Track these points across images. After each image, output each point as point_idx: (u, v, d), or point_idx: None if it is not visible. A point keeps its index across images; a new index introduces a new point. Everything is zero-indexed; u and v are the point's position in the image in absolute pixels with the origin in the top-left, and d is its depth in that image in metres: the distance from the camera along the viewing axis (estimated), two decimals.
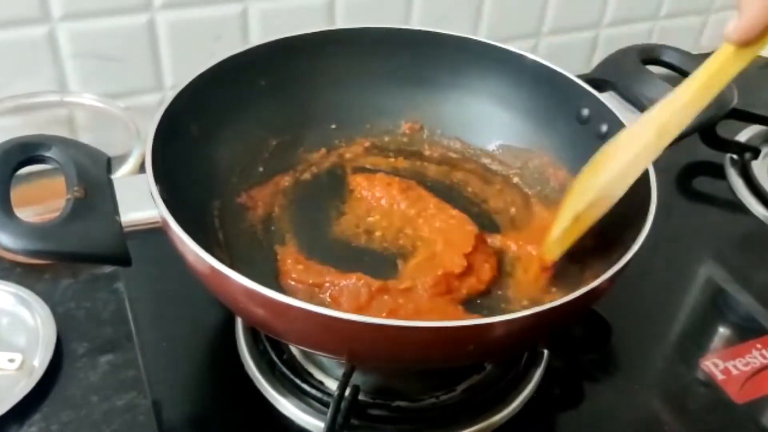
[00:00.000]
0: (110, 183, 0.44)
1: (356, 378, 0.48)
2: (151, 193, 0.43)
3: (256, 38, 0.75)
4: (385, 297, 0.50)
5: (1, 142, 0.45)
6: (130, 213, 0.43)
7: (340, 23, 0.78)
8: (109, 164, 0.46)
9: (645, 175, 0.50)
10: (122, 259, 0.43)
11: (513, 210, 0.60)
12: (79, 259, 0.43)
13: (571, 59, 0.93)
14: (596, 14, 0.92)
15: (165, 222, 0.42)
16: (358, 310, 0.49)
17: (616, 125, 0.55)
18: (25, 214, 0.42)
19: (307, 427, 0.50)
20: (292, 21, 0.76)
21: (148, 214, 0.43)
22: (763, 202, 0.74)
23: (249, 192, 0.59)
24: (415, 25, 0.81)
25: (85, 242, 0.41)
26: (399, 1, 0.81)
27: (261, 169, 0.61)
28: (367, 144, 0.65)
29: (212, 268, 0.40)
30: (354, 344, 0.42)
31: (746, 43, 0.41)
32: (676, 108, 0.45)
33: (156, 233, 0.45)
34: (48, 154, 0.44)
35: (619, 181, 0.48)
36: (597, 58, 0.95)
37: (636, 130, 0.48)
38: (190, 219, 0.43)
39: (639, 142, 0.47)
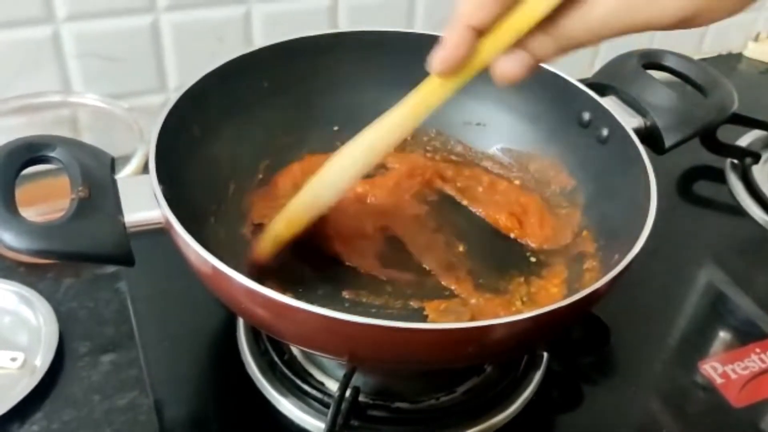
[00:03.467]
0: (114, 183, 0.45)
1: (356, 379, 0.48)
2: (155, 194, 0.44)
3: (259, 40, 0.76)
4: None
5: (6, 142, 0.45)
6: (134, 213, 0.44)
7: (343, 26, 0.79)
8: (113, 165, 0.46)
9: (645, 179, 0.50)
10: (126, 259, 0.43)
11: (514, 212, 0.60)
12: (82, 259, 0.43)
13: (572, 63, 0.92)
14: None
15: (168, 222, 0.43)
16: None
17: (617, 129, 0.56)
18: (28, 213, 0.43)
19: (307, 427, 0.50)
20: (294, 24, 0.76)
21: (151, 214, 0.44)
22: (763, 206, 0.74)
23: (251, 193, 0.59)
24: (417, 28, 0.81)
25: (89, 242, 0.42)
26: (402, 4, 0.81)
27: (263, 170, 0.61)
28: None
29: (214, 268, 0.40)
30: (355, 345, 0.42)
31: (447, 73, 0.41)
32: (384, 130, 0.46)
33: (158, 234, 0.45)
34: (53, 154, 0.45)
35: (330, 188, 0.49)
36: (598, 63, 0.95)
37: (352, 143, 0.48)
38: (193, 219, 0.44)
39: (351, 155, 0.48)
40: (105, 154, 0.46)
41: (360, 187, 0.61)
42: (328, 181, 0.49)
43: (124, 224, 0.43)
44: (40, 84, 0.69)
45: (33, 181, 0.53)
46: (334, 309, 0.38)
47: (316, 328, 0.41)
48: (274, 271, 0.52)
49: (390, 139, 0.47)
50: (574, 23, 0.37)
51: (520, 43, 0.38)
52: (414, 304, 0.53)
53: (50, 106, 0.70)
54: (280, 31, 0.73)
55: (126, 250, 0.43)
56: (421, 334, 0.39)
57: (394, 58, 0.64)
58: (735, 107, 0.65)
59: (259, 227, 0.57)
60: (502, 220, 0.60)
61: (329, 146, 0.64)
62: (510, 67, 0.39)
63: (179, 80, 0.75)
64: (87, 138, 0.71)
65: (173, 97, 0.52)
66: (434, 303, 0.53)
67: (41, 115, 0.70)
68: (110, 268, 0.63)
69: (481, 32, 0.38)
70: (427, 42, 0.62)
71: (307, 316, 0.39)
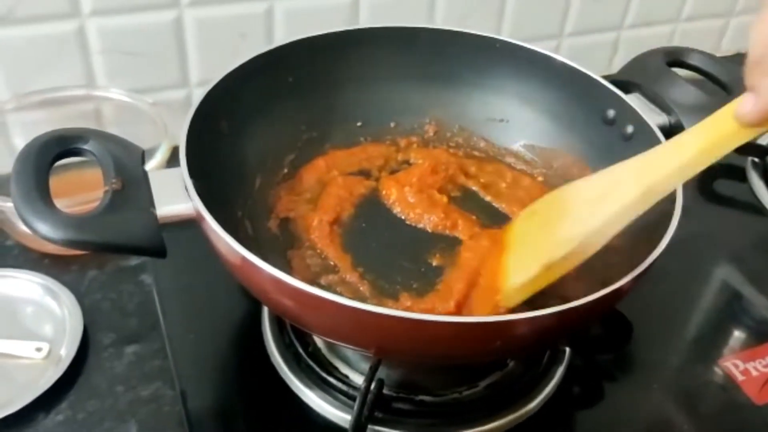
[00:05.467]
0: (146, 176, 0.45)
1: (381, 372, 0.48)
2: (186, 187, 0.44)
3: (281, 36, 0.76)
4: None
5: (38, 134, 0.45)
6: (166, 205, 0.44)
7: (364, 22, 0.79)
8: (143, 157, 0.47)
9: None
10: (158, 251, 0.43)
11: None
12: (116, 250, 0.43)
13: (592, 60, 0.93)
14: (618, 16, 0.92)
15: (199, 214, 0.43)
16: None
17: (642, 126, 0.55)
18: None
19: (332, 419, 0.51)
20: (315, 19, 0.76)
21: (182, 206, 0.44)
22: None
23: (277, 187, 0.60)
24: (438, 24, 0.81)
25: (123, 233, 0.42)
26: (422, 0, 0.81)
27: (288, 165, 0.62)
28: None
29: (244, 259, 0.41)
30: (382, 338, 0.42)
31: (757, 125, 0.38)
32: (668, 171, 0.43)
33: (187, 226, 0.45)
34: (85, 146, 0.45)
35: (599, 235, 0.45)
36: (618, 60, 0.95)
37: (615, 180, 0.45)
38: (221, 212, 0.44)
39: (623, 198, 0.44)
40: (136, 147, 0.47)
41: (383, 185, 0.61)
42: (602, 225, 0.45)
43: (156, 216, 0.43)
44: (65, 78, 0.70)
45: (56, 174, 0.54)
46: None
47: (343, 320, 0.41)
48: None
49: (673, 183, 0.43)
50: None
51: None
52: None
53: (74, 101, 0.71)
54: (302, 26, 0.74)
55: (159, 241, 0.43)
56: (447, 327, 0.39)
57: (415, 54, 0.65)
58: None
59: (284, 221, 0.58)
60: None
61: (352, 141, 0.65)
62: None
63: (201, 75, 0.75)
64: (111, 132, 0.71)
65: (198, 92, 0.53)
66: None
67: (65, 109, 0.70)
68: (133, 261, 0.64)
69: None
70: (448, 37, 0.64)
71: (335, 307, 0.39)
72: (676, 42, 0.98)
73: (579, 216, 0.46)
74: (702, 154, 0.41)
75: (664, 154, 0.43)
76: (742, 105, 0.38)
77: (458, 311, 0.50)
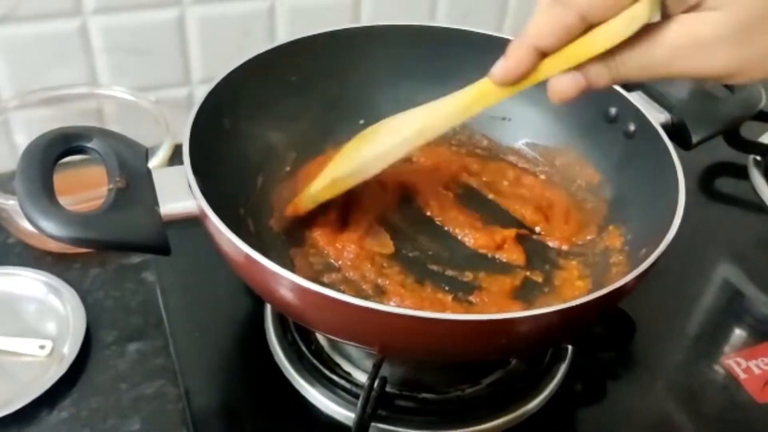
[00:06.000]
0: (149, 174, 0.45)
1: (384, 370, 0.48)
2: (189, 185, 0.44)
3: (283, 34, 0.76)
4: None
5: (43, 132, 0.45)
6: (169, 203, 0.44)
7: (366, 20, 0.79)
8: (147, 156, 0.47)
9: (673, 174, 0.50)
10: (162, 248, 0.43)
11: (539, 206, 0.61)
12: (121, 248, 0.44)
13: None
14: None
15: (202, 212, 0.43)
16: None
17: (644, 124, 0.56)
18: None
19: (335, 416, 0.51)
20: (318, 18, 0.76)
21: (185, 204, 0.44)
22: None
23: (279, 185, 0.60)
24: (440, 22, 0.81)
25: (128, 231, 0.42)
26: None
27: (291, 163, 0.62)
28: None
29: (247, 257, 0.41)
30: (386, 335, 0.42)
31: (505, 84, 0.44)
32: (437, 118, 0.50)
33: (190, 224, 0.45)
34: (89, 144, 0.45)
35: (377, 161, 0.52)
36: None
37: (402, 121, 0.52)
38: (224, 210, 0.44)
39: (401, 134, 0.51)
40: (140, 146, 0.47)
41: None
42: (377, 154, 0.52)
43: (160, 214, 0.43)
44: (68, 76, 0.70)
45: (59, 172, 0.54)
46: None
47: (347, 317, 0.41)
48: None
49: (439, 129, 0.50)
50: (631, 61, 0.40)
51: (577, 66, 0.41)
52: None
53: (77, 99, 0.71)
54: (304, 25, 0.74)
55: (163, 239, 0.43)
56: (450, 324, 0.39)
57: (417, 52, 0.65)
58: (762, 104, 0.64)
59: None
60: (527, 214, 0.60)
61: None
62: (564, 86, 0.42)
63: (204, 73, 0.75)
64: (113, 130, 0.71)
65: (200, 90, 0.53)
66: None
67: (68, 107, 0.71)
68: (136, 259, 0.64)
69: (544, 54, 0.42)
70: (450, 35, 0.64)
71: (339, 304, 0.39)
72: None
73: (371, 143, 0.53)
74: (466, 107, 0.48)
75: (441, 104, 0.50)
76: (495, 66, 0.44)
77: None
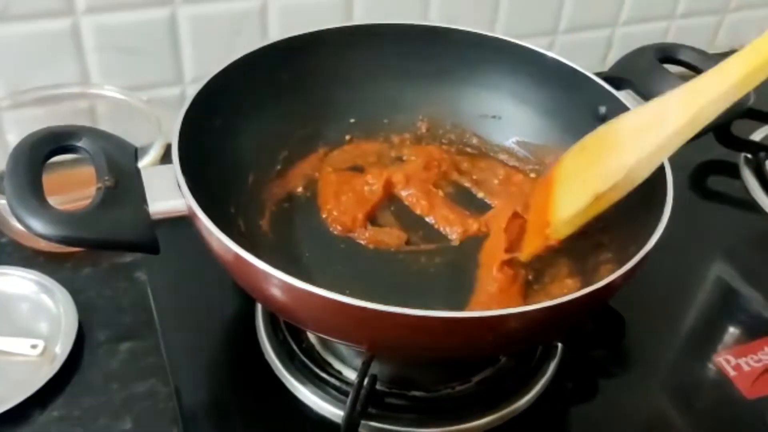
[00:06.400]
0: (138, 173, 0.45)
1: (374, 368, 0.48)
2: (178, 184, 0.44)
3: (276, 33, 0.76)
4: None
5: (32, 132, 0.46)
6: (158, 202, 0.44)
7: (358, 19, 0.79)
8: (136, 155, 0.47)
9: (662, 173, 0.50)
10: (151, 247, 0.44)
11: (530, 205, 0.61)
12: (109, 247, 0.44)
13: (586, 57, 0.93)
14: (612, 13, 0.92)
15: (191, 211, 0.43)
16: None
17: None
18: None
19: (326, 414, 0.51)
20: (310, 16, 0.76)
21: (174, 203, 0.44)
22: None
23: (270, 183, 0.60)
24: (432, 21, 0.82)
25: (116, 230, 0.42)
26: None
27: (282, 161, 0.62)
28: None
29: (237, 256, 0.41)
30: (374, 333, 0.42)
31: None
32: (712, 96, 0.43)
33: (180, 223, 0.45)
34: (78, 143, 0.45)
35: (646, 163, 0.47)
36: (612, 57, 0.95)
37: (661, 110, 0.46)
38: (214, 209, 0.44)
39: (670, 126, 0.45)
40: (129, 145, 0.47)
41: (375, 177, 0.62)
42: (643, 156, 0.47)
43: (149, 213, 0.44)
44: (60, 76, 0.70)
45: (51, 171, 0.54)
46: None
47: (335, 315, 0.41)
48: None
49: (719, 107, 0.43)
50: None
51: None
52: None
53: (69, 98, 0.71)
54: (296, 23, 0.74)
55: (151, 237, 0.43)
56: (439, 322, 0.39)
57: (409, 51, 0.65)
58: (751, 102, 0.65)
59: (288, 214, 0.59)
60: (517, 211, 0.60)
61: (345, 137, 0.65)
62: None
63: (196, 72, 0.75)
64: (105, 129, 0.71)
65: (192, 89, 0.53)
66: None
67: (60, 107, 0.70)
68: (127, 258, 0.64)
69: None
70: (442, 34, 0.64)
71: (327, 303, 0.39)
72: (671, 39, 0.98)
73: (626, 147, 0.47)
74: (745, 79, 0.42)
75: (708, 82, 0.43)
76: None
77: (511, 249, 0.53)
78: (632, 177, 0.47)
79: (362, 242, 0.57)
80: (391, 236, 0.57)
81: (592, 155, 0.50)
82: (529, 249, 0.53)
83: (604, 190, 0.48)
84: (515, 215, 0.57)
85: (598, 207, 0.49)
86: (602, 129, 0.50)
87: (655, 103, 0.47)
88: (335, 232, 0.57)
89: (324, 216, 0.59)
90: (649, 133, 0.46)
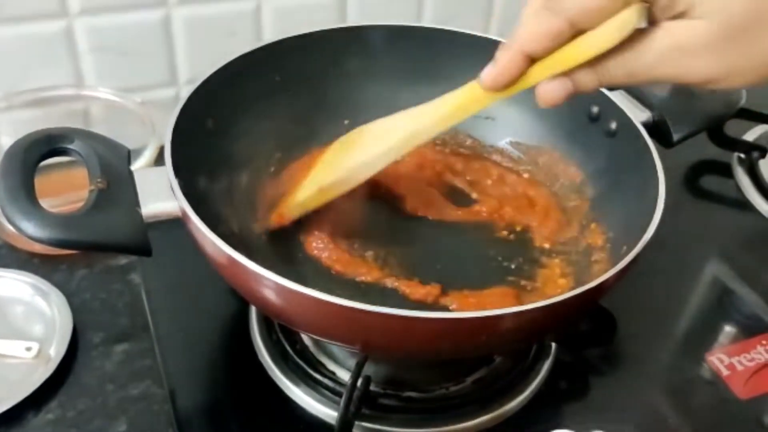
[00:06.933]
0: (131, 175, 0.45)
1: (368, 368, 0.49)
2: (171, 186, 0.44)
3: (270, 35, 0.76)
4: None
5: (25, 134, 0.46)
6: (151, 204, 0.44)
7: (352, 20, 0.79)
8: (129, 157, 0.47)
9: (654, 172, 0.50)
10: (143, 249, 0.44)
11: (522, 205, 0.61)
12: (102, 249, 0.44)
13: None
14: None
15: (184, 213, 0.43)
16: None
17: (626, 123, 0.56)
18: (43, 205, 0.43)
19: (320, 415, 0.51)
20: (304, 18, 0.77)
21: (167, 205, 0.44)
22: None
23: (264, 185, 0.60)
24: (425, 22, 0.82)
25: (109, 232, 0.42)
26: None
27: (275, 163, 0.62)
28: None
29: (229, 258, 0.41)
30: (367, 334, 0.42)
31: (494, 90, 0.44)
32: (425, 124, 0.50)
33: (173, 225, 0.45)
34: (71, 146, 0.45)
35: (367, 167, 0.52)
36: None
37: (390, 126, 0.52)
38: (207, 211, 0.44)
39: (390, 139, 0.51)
40: (122, 147, 0.47)
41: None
42: (365, 161, 0.52)
43: (141, 215, 0.44)
44: (54, 78, 0.70)
45: (44, 173, 0.54)
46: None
47: (328, 317, 0.41)
48: None
49: (427, 135, 0.50)
50: (618, 66, 0.41)
51: (565, 72, 0.42)
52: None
53: (63, 100, 0.71)
54: (290, 24, 0.74)
55: (144, 240, 0.43)
56: (432, 323, 0.40)
57: (403, 52, 0.65)
58: (743, 102, 0.65)
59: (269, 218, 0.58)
60: (510, 212, 0.60)
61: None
62: (552, 91, 0.43)
63: (190, 74, 0.75)
64: (99, 131, 0.71)
65: (187, 91, 0.53)
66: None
67: (54, 109, 0.71)
68: (122, 260, 0.64)
69: (532, 60, 0.42)
70: (436, 36, 0.64)
71: (320, 304, 0.39)
72: None
73: (357, 150, 0.53)
74: (456, 111, 0.48)
75: (429, 108, 0.50)
76: (484, 72, 0.44)
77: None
78: (351, 177, 0.53)
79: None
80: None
81: (340, 149, 0.56)
82: (273, 218, 0.57)
83: (326, 184, 0.54)
84: None
85: (321, 198, 0.54)
86: (357, 129, 0.55)
87: (393, 117, 0.52)
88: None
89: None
90: (375, 142, 0.52)
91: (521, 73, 0.43)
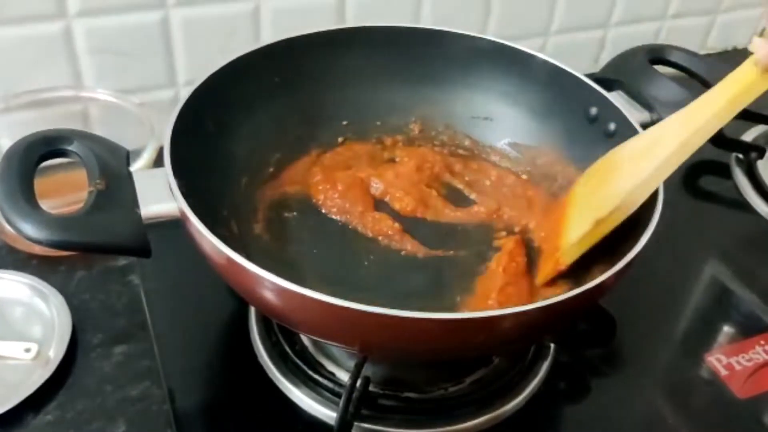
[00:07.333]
0: (130, 176, 0.45)
1: (367, 369, 0.49)
2: (170, 187, 0.44)
3: (268, 36, 0.76)
4: None
5: (20, 136, 0.46)
6: (150, 206, 0.44)
7: (350, 21, 0.79)
8: (128, 158, 0.47)
9: None
10: (143, 251, 0.44)
11: (521, 205, 0.61)
12: (101, 250, 0.44)
13: (578, 58, 0.93)
14: (604, 14, 0.92)
15: (183, 214, 0.43)
16: None
17: (624, 124, 0.56)
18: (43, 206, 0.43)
19: (319, 416, 0.51)
20: (302, 19, 0.76)
21: (166, 206, 0.44)
22: None
23: (263, 186, 0.60)
24: (424, 23, 0.82)
25: (108, 234, 0.42)
26: (408, 0, 0.81)
27: (274, 164, 0.62)
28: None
29: (229, 259, 0.41)
30: (366, 335, 0.42)
31: None
32: (701, 123, 0.46)
33: (172, 226, 0.45)
34: (70, 147, 0.45)
35: (642, 189, 0.49)
36: (604, 58, 0.96)
37: (655, 140, 0.48)
38: (206, 212, 0.44)
39: (663, 152, 0.48)
40: (120, 148, 0.47)
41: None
42: (640, 182, 0.49)
43: (140, 216, 0.44)
44: (52, 79, 0.70)
45: (43, 174, 0.54)
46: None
47: (327, 317, 0.41)
48: None
49: (704, 135, 0.47)
50: None
51: None
52: None
53: (62, 101, 0.71)
54: (289, 26, 0.74)
55: (143, 241, 0.43)
56: (431, 323, 0.40)
57: (401, 53, 0.65)
58: None
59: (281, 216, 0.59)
60: (508, 212, 0.60)
61: (338, 139, 0.65)
62: None
63: (189, 75, 0.75)
64: (98, 132, 0.71)
65: (186, 92, 0.53)
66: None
67: (53, 110, 0.70)
68: (121, 261, 0.64)
69: None
70: (434, 37, 0.65)
71: (319, 305, 0.39)
72: (663, 39, 0.98)
73: (624, 172, 0.50)
74: (731, 104, 0.44)
75: (698, 108, 0.46)
76: (758, 50, 0.41)
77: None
78: (630, 202, 0.49)
79: (359, 228, 0.58)
80: (385, 224, 0.57)
81: (597, 181, 0.52)
82: (543, 274, 0.54)
83: (604, 215, 0.50)
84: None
85: (600, 232, 0.51)
86: (609, 155, 0.52)
87: (653, 130, 0.50)
88: (330, 215, 0.58)
89: (320, 198, 0.59)
90: (644, 159, 0.49)
91: None
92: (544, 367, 0.55)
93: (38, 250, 0.63)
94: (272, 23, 0.76)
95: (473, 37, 0.64)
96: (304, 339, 0.55)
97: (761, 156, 0.79)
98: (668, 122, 0.48)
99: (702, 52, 0.75)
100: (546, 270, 0.54)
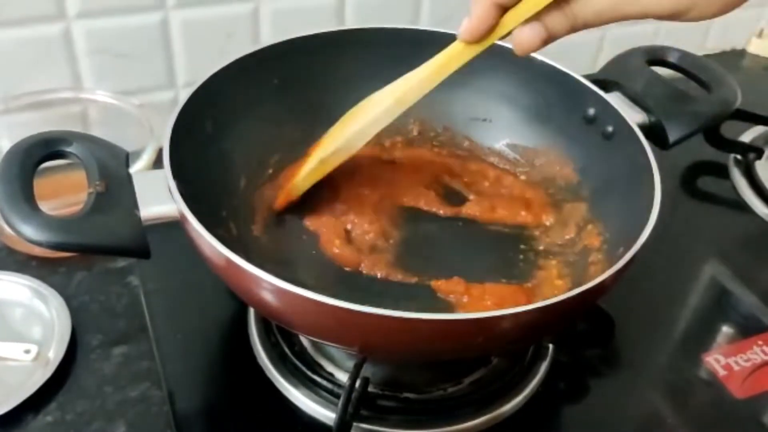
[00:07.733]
0: (129, 178, 0.45)
1: (366, 370, 0.49)
2: (169, 188, 0.44)
3: (267, 37, 0.76)
4: None
5: (19, 137, 0.46)
6: (149, 207, 0.45)
7: (350, 23, 0.79)
8: (127, 159, 0.47)
9: (649, 174, 0.51)
10: (142, 252, 0.44)
11: (519, 206, 0.61)
12: (100, 252, 0.44)
13: (576, 59, 0.93)
14: None
15: (183, 216, 0.43)
16: None
17: (622, 125, 0.56)
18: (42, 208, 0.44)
19: (318, 417, 0.51)
20: (301, 20, 0.77)
21: (166, 208, 0.44)
22: (766, 202, 0.75)
23: (262, 187, 0.60)
24: (423, 25, 0.82)
25: (107, 235, 0.42)
26: (407, 1, 0.82)
27: (273, 165, 0.62)
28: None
29: (228, 260, 0.41)
30: (365, 335, 0.43)
31: (472, 41, 0.48)
32: (413, 84, 0.52)
33: (172, 227, 0.46)
34: (69, 149, 0.45)
35: (360, 135, 0.55)
36: (602, 59, 0.95)
37: (382, 93, 0.54)
38: (205, 213, 0.44)
39: (382, 104, 0.53)
40: (120, 149, 0.47)
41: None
42: (361, 127, 0.54)
43: (140, 218, 0.44)
44: (52, 80, 0.70)
45: (43, 176, 0.54)
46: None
47: (326, 318, 0.41)
48: None
49: (417, 93, 0.53)
50: (586, 6, 0.43)
51: (537, 18, 0.44)
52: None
53: (61, 103, 0.71)
54: (288, 27, 0.74)
55: (142, 242, 0.43)
56: (430, 324, 0.40)
57: (400, 54, 0.64)
58: (738, 103, 0.65)
59: (268, 219, 0.59)
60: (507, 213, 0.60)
61: None
62: (528, 37, 0.45)
63: (188, 77, 0.75)
64: (97, 134, 0.71)
65: (185, 93, 0.53)
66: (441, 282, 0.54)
67: (52, 112, 0.71)
68: (121, 262, 0.64)
69: (504, 8, 0.45)
70: (433, 38, 0.65)
71: (318, 306, 0.39)
72: (661, 40, 0.98)
73: (354, 120, 0.56)
74: (439, 69, 0.51)
75: (415, 72, 0.52)
76: (461, 26, 0.47)
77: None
78: (349, 145, 0.55)
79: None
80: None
81: (338, 126, 0.58)
82: (278, 202, 0.59)
83: (327, 155, 0.56)
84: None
85: (324, 169, 0.56)
86: (360, 103, 0.57)
87: (386, 87, 0.55)
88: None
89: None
90: (368, 111, 0.54)
91: (495, 23, 0.46)
92: (543, 367, 0.55)
93: (38, 251, 0.63)
94: (271, 25, 0.76)
95: None
96: (303, 340, 0.55)
97: (759, 157, 0.80)
98: (396, 81, 0.54)
99: (700, 53, 0.75)
100: (281, 199, 0.58)
